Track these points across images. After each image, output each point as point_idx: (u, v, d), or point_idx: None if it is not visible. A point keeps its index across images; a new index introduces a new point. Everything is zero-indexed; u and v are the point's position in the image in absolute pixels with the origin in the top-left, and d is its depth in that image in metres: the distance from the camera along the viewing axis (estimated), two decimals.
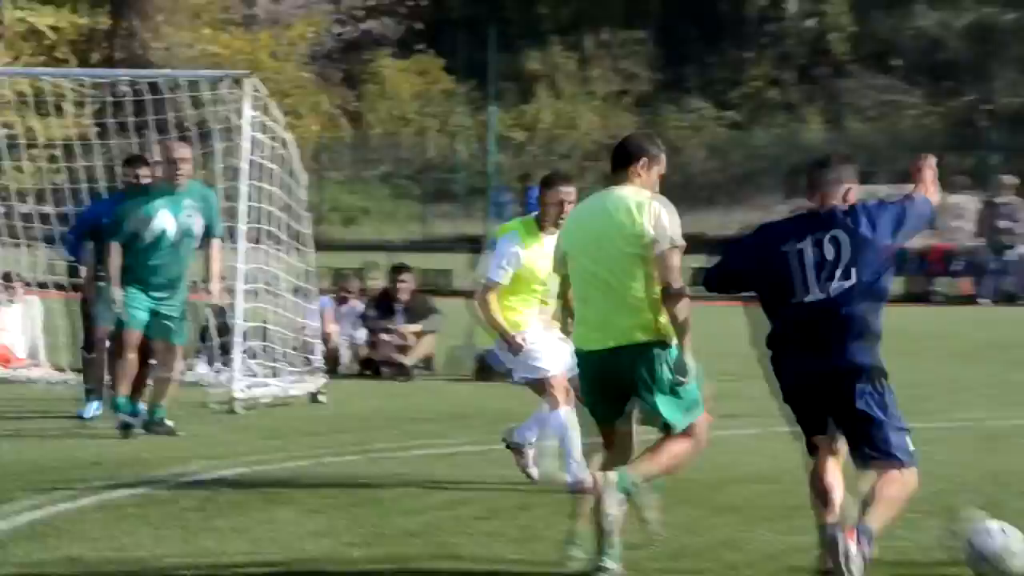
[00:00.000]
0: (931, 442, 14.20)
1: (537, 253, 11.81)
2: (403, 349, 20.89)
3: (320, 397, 17.84)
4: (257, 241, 18.19)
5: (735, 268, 9.25)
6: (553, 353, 11.74)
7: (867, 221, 8.73)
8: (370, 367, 21.04)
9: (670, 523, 10.43)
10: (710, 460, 12.71)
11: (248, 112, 17.55)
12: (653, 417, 9.31)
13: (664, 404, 9.21)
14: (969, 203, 38.13)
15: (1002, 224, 34.57)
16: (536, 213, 12.06)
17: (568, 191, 11.89)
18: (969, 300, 34.52)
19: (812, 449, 8.93)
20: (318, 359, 19.00)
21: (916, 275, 35.81)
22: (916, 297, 34.90)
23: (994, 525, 8.84)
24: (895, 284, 35.14)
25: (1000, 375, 19.87)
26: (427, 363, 21.06)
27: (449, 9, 72.00)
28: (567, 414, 11.64)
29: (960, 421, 15.65)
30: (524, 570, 9.29)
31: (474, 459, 13.46)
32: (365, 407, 17.34)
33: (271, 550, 9.80)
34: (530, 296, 11.98)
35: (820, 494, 8.76)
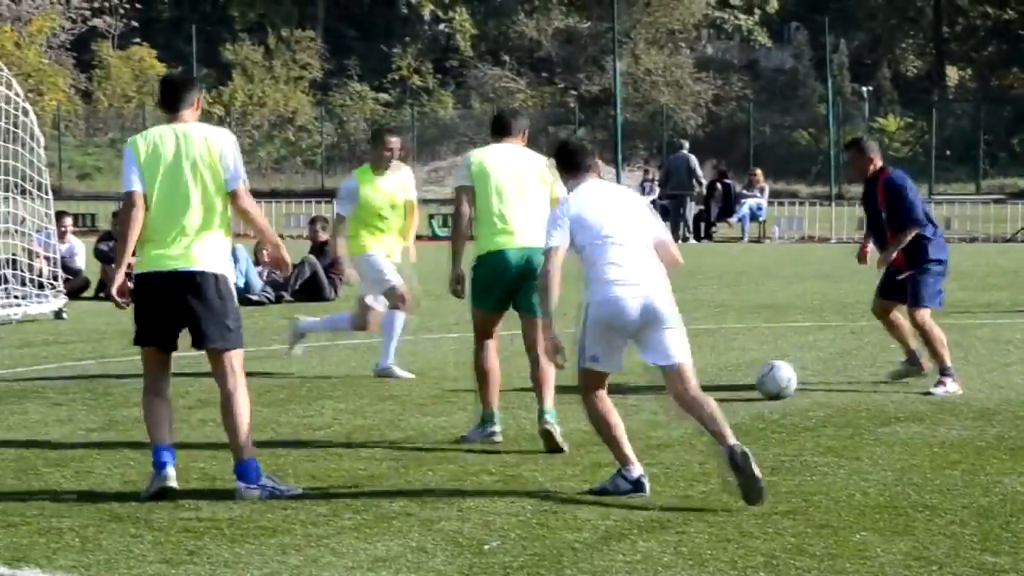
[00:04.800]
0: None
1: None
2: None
3: (63, 314, 17.13)
4: (6, 190, 17.57)
5: None
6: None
7: None
8: (104, 290, 20.23)
9: (346, 410, 10.28)
10: (374, 360, 12.62)
11: None
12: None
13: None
14: None
15: None
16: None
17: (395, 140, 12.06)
18: None
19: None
20: (59, 284, 18.23)
21: None
22: None
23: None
24: None
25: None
26: None
27: (159, 10, 72.26)
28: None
29: None
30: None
31: (191, 361, 13.02)
32: (99, 323, 16.70)
33: (22, 435, 9.32)
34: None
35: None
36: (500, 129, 9.49)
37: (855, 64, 70.41)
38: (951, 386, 10.89)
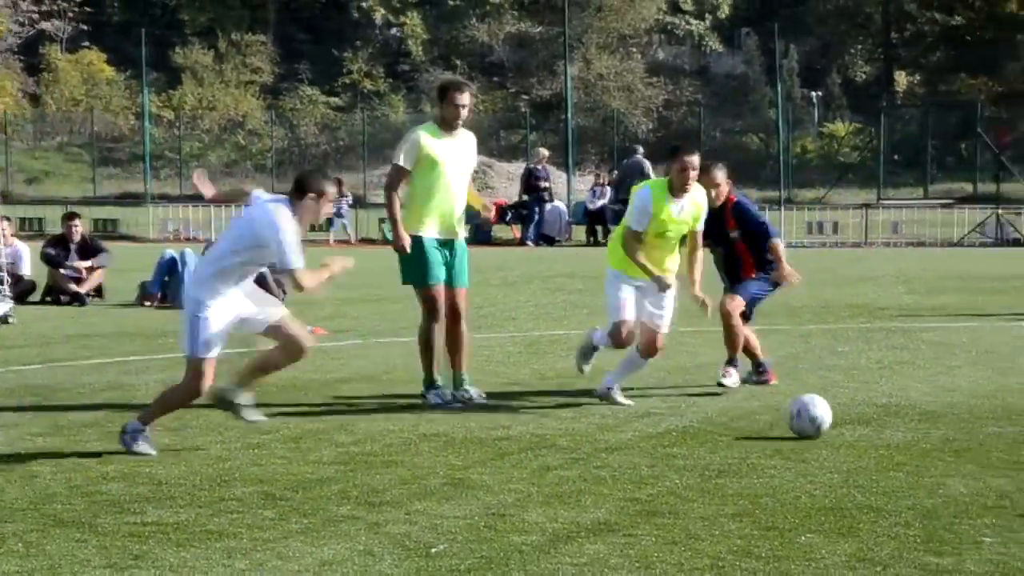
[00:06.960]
0: (490, 348, 14.35)
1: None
2: (78, 281, 19.99)
3: (10, 320, 16.97)
4: None
5: None
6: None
7: None
8: (51, 295, 20.07)
9: (294, 413, 10.24)
10: (324, 364, 12.60)
11: None
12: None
13: None
14: (516, 169, 38.77)
15: (540, 184, 35.19)
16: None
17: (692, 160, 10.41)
18: (519, 242, 35.09)
19: None
20: (5, 288, 18.05)
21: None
22: (480, 240, 35.47)
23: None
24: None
25: (541, 298, 20.13)
26: (98, 292, 20.20)
27: (109, 14, 71.76)
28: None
29: (512, 332, 15.76)
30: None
31: (138, 366, 12.97)
32: (46, 327, 16.58)
33: None
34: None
35: None
36: None
37: (805, 69, 70.84)
38: (735, 377, 11.41)
